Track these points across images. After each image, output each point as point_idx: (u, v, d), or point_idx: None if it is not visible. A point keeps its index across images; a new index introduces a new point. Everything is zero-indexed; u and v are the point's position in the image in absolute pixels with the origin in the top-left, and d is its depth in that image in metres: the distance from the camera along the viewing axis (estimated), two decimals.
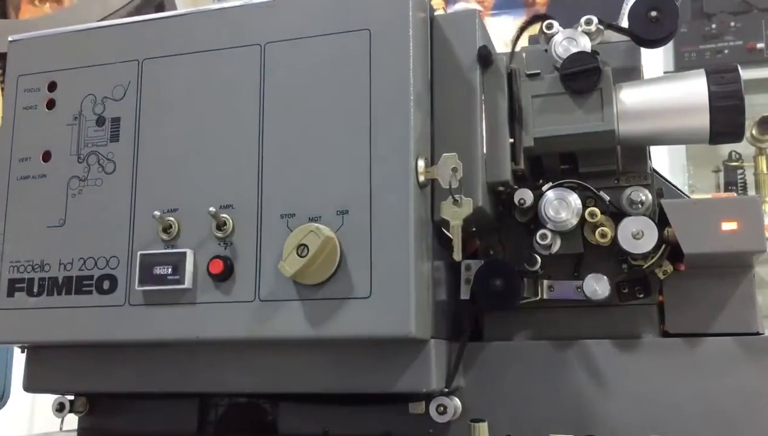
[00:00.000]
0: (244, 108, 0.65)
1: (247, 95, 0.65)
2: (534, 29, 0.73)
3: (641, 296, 0.69)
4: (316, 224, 0.59)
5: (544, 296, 0.70)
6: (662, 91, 0.68)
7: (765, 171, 1.84)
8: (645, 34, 0.69)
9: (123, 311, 0.65)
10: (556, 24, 0.71)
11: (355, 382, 0.62)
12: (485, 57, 0.67)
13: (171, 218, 0.64)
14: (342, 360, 0.62)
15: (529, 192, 0.68)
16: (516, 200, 0.68)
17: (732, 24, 2.04)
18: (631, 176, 0.72)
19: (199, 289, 0.63)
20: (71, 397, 0.76)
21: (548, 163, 0.72)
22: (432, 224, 0.64)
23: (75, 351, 0.70)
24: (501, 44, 0.75)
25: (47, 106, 0.71)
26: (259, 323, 0.61)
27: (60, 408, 0.75)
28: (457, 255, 0.60)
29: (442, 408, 0.64)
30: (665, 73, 1.94)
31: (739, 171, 1.99)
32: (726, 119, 0.66)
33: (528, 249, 0.68)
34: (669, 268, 0.68)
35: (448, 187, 0.60)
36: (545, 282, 0.70)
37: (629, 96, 0.68)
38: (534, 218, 0.69)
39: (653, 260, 0.67)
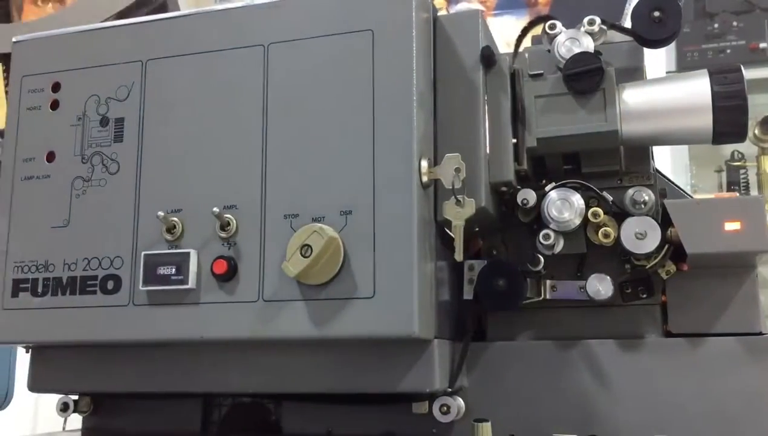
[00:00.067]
0: (247, 108, 0.65)
1: (251, 96, 0.65)
2: (537, 30, 0.74)
3: (644, 296, 0.69)
4: (320, 225, 0.59)
5: (547, 296, 0.70)
6: (665, 91, 0.68)
7: (767, 171, 1.84)
8: (648, 35, 0.69)
9: (127, 311, 0.65)
10: (559, 24, 0.71)
11: (359, 382, 0.62)
12: (488, 57, 0.67)
13: (175, 219, 0.65)
14: (345, 360, 0.63)
15: (532, 192, 0.68)
16: (519, 200, 0.69)
17: (734, 24, 2.03)
18: (634, 176, 0.72)
19: (202, 289, 0.63)
20: (75, 397, 0.76)
21: (551, 164, 0.72)
22: (435, 225, 0.64)
23: (79, 351, 0.70)
24: (503, 44, 0.75)
25: (51, 106, 0.71)
26: (263, 323, 0.61)
27: (64, 408, 0.75)
28: (459, 256, 0.60)
29: (445, 408, 0.64)
30: (668, 73, 1.93)
31: (742, 171, 1.99)
32: (729, 119, 0.66)
33: (531, 249, 0.68)
34: (672, 268, 0.68)
35: (451, 187, 0.60)
36: (548, 282, 0.70)
37: (632, 96, 0.68)
38: (537, 218, 0.69)
39: (656, 260, 0.67)
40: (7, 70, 0.94)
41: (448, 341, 0.65)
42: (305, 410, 0.72)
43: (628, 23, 0.71)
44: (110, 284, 0.66)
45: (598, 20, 0.70)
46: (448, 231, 0.63)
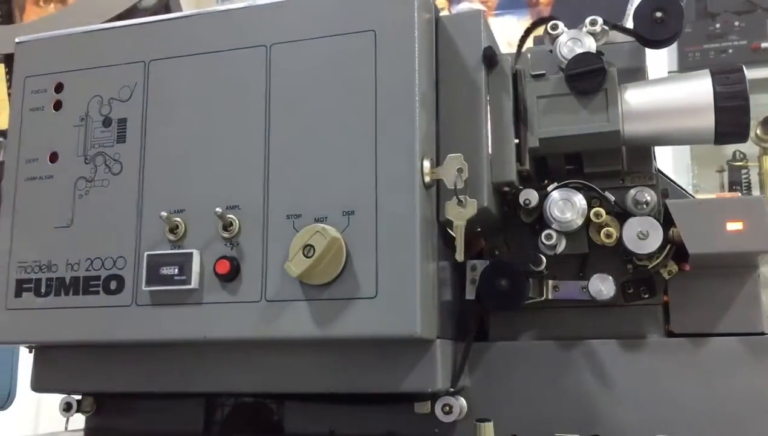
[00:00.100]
0: (250, 109, 0.65)
1: (253, 96, 0.65)
2: (539, 30, 0.74)
3: (646, 296, 0.69)
4: (322, 225, 0.60)
5: (550, 296, 0.70)
6: (667, 91, 0.68)
7: None
8: (650, 35, 0.69)
9: (130, 311, 0.65)
10: (561, 25, 0.71)
11: (361, 382, 0.63)
12: (490, 58, 0.67)
13: (178, 219, 0.65)
14: (348, 360, 0.63)
15: (535, 192, 0.69)
16: (521, 201, 0.69)
17: (736, 23, 2.03)
18: (636, 177, 0.72)
19: (205, 289, 0.63)
20: (78, 397, 0.76)
21: (553, 164, 0.72)
22: (437, 225, 0.64)
23: (82, 351, 0.70)
24: (504, 44, 0.75)
25: (54, 107, 0.71)
26: (266, 323, 0.61)
27: (67, 408, 0.76)
28: (459, 256, 0.60)
29: (447, 408, 0.64)
30: (669, 72, 1.93)
31: (744, 171, 1.99)
32: (731, 120, 0.66)
33: (533, 249, 0.68)
34: (674, 268, 0.68)
35: (453, 187, 0.60)
36: (550, 282, 0.70)
37: (634, 96, 0.68)
38: (539, 219, 0.69)
39: (658, 260, 0.67)
40: (9, 71, 0.95)
41: (450, 341, 0.66)
42: (308, 410, 0.72)
43: (630, 24, 0.71)
44: (113, 284, 0.66)
45: (600, 20, 0.70)
46: (450, 231, 0.63)
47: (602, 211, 0.68)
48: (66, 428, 0.83)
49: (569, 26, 0.71)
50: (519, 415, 0.68)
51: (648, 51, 0.74)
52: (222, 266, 0.62)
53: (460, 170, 0.60)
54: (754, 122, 1.75)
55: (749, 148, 1.90)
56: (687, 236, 0.64)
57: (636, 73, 0.74)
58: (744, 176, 1.99)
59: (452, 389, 0.65)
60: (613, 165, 0.71)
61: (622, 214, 0.68)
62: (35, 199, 0.70)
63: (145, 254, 0.65)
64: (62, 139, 0.70)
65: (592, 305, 0.69)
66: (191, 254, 0.63)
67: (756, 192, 1.92)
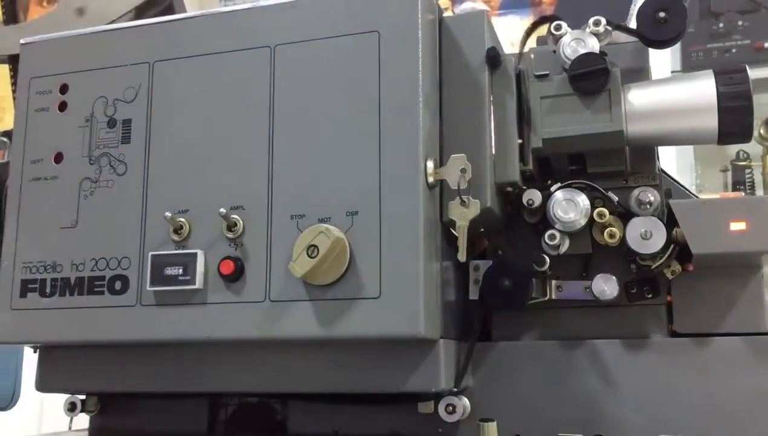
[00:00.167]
0: (254, 110, 0.65)
1: (257, 97, 0.65)
2: (542, 30, 0.74)
3: (650, 296, 0.69)
4: (326, 225, 0.60)
5: (553, 296, 0.70)
6: (670, 91, 0.68)
7: None
8: (653, 35, 0.69)
9: (134, 312, 0.65)
10: (564, 25, 0.71)
11: (365, 382, 0.63)
12: (494, 58, 0.67)
13: (182, 219, 0.65)
14: (352, 360, 0.63)
15: (538, 193, 0.69)
16: (524, 201, 0.69)
17: (739, 23, 2.03)
18: (640, 177, 0.72)
19: (209, 289, 0.64)
20: (83, 396, 0.76)
21: (557, 164, 0.72)
22: (441, 225, 0.64)
23: (87, 351, 0.70)
24: (507, 44, 0.75)
25: (59, 108, 0.72)
26: (270, 323, 0.62)
27: (71, 408, 0.76)
28: (462, 256, 0.61)
29: (451, 408, 0.64)
30: (673, 72, 1.93)
31: (747, 171, 1.99)
32: (734, 120, 0.66)
33: (536, 249, 0.68)
34: (677, 268, 0.68)
35: (456, 188, 0.61)
36: (554, 282, 0.70)
37: (637, 97, 0.68)
38: (542, 219, 0.69)
39: (662, 260, 0.67)
40: (14, 72, 0.95)
41: (453, 341, 0.66)
42: (311, 410, 0.72)
43: (633, 24, 0.71)
44: (118, 285, 0.66)
45: (603, 21, 0.70)
46: (453, 231, 0.64)
47: (605, 211, 0.68)
48: (70, 428, 0.83)
49: (572, 26, 0.71)
50: (522, 415, 0.68)
51: (651, 51, 0.74)
52: (226, 266, 0.63)
53: (463, 171, 0.60)
54: (758, 122, 1.74)
55: (753, 147, 1.90)
56: (690, 236, 0.64)
57: (639, 73, 0.74)
58: (748, 176, 1.99)
59: (455, 389, 0.65)
60: (617, 165, 0.71)
61: (625, 215, 0.68)
62: (40, 199, 0.70)
63: (150, 254, 0.65)
64: (67, 140, 0.71)
65: (595, 305, 0.69)
66: (195, 254, 0.64)
67: (760, 192, 1.92)
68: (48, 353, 0.73)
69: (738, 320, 0.67)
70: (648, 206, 0.68)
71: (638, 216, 0.67)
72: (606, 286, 0.68)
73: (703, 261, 0.67)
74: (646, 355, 0.67)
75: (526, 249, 0.70)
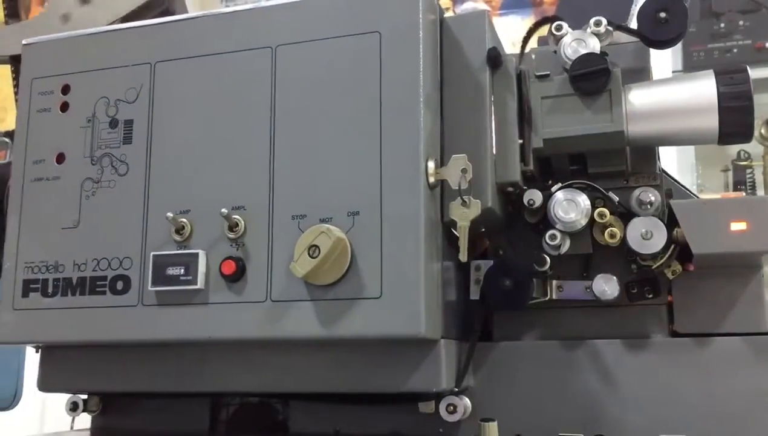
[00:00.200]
0: (255, 110, 0.65)
1: (259, 97, 0.66)
2: (543, 30, 0.74)
3: (650, 296, 0.69)
4: (327, 225, 0.60)
5: (554, 296, 0.70)
6: (671, 92, 0.69)
7: None
8: (654, 35, 0.69)
9: (136, 312, 0.66)
10: (565, 25, 0.71)
11: (366, 381, 0.63)
12: (495, 58, 0.68)
13: (184, 219, 0.65)
14: (353, 360, 0.63)
15: (539, 193, 0.69)
16: (525, 201, 0.69)
17: (741, 23, 2.03)
18: (640, 177, 0.72)
19: (211, 289, 0.64)
20: (84, 396, 0.76)
21: (557, 164, 0.72)
22: (442, 225, 0.64)
23: (89, 351, 0.70)
24: (508, 44, 0.76)
25: (61, 108, 0.72)
26: (271, 323, 0.62)
27: (73, 407, 0.76)
28: (463, 256, 0.61)
29: (452, 408, 0.64)
30: (674, 72, 1.93)
31: (748, 170, 1.99)
32: (735, 120, 0.66)
33: (537, 249, 0.69)
34: (678, 268, 0.68)
35: (457, 188, 0.61)
36: (554, 282, 0.70)
37: (638, 97, 0.68)
38: (543, 219, 0.70)
39: (662, 260, 0.67)
40: (15, 73, 0.95)
41: (454, 341, 0.66)
42: (312, 410, 0.72)
43: (634, 24, 0.71)
44: (119, 285, 0.66)
45: (604, 21, 0.70)
46: (454, 231, 0.64)
47: (606, 211, 0.68)
48: (72, 428, 0.83)
49: (573, 27, 0.71)
50: (523, 415, 0.68)
51: (652, 51, 0.74)
52: (228, 266, 0.63)
53: (464, 171, 0.61)
54: (759, 122, 1.74)
55: (754, 147, 1.90)
56: (691, 236, 0.65)
57: (640, 74, 0.74)
58: (749, 176, 1.99)
59: (456, 389, 0.65)
60: (617, 165, 0.71)
61: (626, 215, 0.68)
62: (42, 200, 0.70)
63: (152, 254, 0.65)
64: (69, 141, 0.71)
65: (596, 305, 0.69)
66: (197, 254, 0.64)
67: (761, 192, 1.92)
68: (50, 352, 0.73)
69: (738, 320, 0.67)
70: (649, 206, 0.68)
71: (639, 216, 0.67)
72: (607, 286, 0.68)
73: (703, 261, 0.67)
74: (646, 355, 0.67)
75: (527, 249, 0.70)
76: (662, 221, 0.67)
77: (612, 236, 0.68)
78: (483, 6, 0.72)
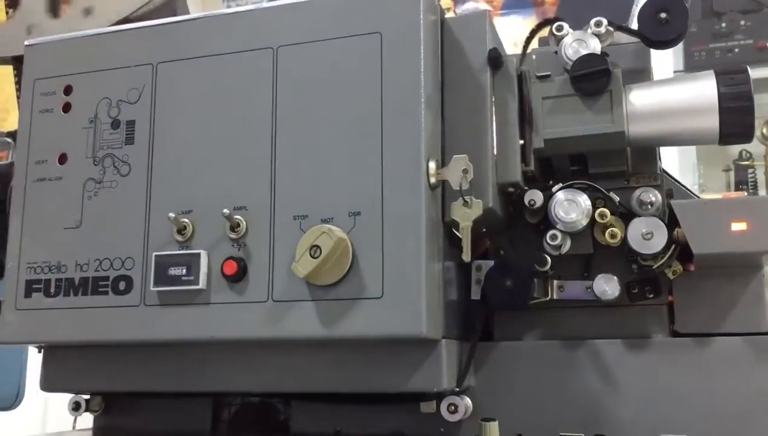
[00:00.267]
0: (257, 110, 0.66)
1: (260, 98, 0.66)
2: (544, 31, 0.74)
3: (651, 296, 0.69)
4: (329, 226, 0.60)
5: (554, 296, 0.70)
6: (672, 92, 0.69)
7: None
8: (654, 36, 0.70)
9: (138, 312, 0.66)
10: (566, 26, 0.71)
11: (367, 381, 0.63)
12: (495, 59, 0.68)
13: (185, 220, 0.65)
14: (354, 360, 0.63)
15: (540, 193, 0.69)
16: (526, 201, 0.69)
17: (742, 23, 2.03)
18: (641, 177, 0.72)
19: (213, 289, 0.64)
20: (87, 396, 0.77)
21: (558, 165, 0.72)
22: (443, 225, 0.64)
23: (91, 351, 0.71)
24: (510, 44, 0.76)
25: (63, 109, 0.72)
26: (272, 323, 0.62)
27: (76, 407, 0.76)
28: (466, 256, 0.61)
29: (453, 407, 0.64)
30: (675, 72, 1.93)
31: (750, 170, 1.99)
32: (735, 120, 0.66)
33: (538, 249, 0.69)
34: (679, 268, 0.68)
35: (458, 188, 0.61)
36: (555, 282, 0.70)
37: (639, 97, 0.69)
38: (544, 219, 0.70)
39: (663, 260, 0.67)
40: (18, 73, 0.95)
41: (455, 341, 0.66)
42: (314, 410, 0.72)
43: (634, 24, 0.71)
44: (122, 285, 0.67)
45: (604, 22, 0.70)
46: (455, 232, 0.64)
47: (607, 211, 0.68)
48: (74, 428, 0.83)
49: (574, 27, 0.71)
50: (524, 414, 0.68)
51: (653, 51, 0.74)
52: (229, 266, 0.63)
53: (465, 171, 0.61)
54: (760, 122, 1.75)
55: (755, 147, 1.90)
56: (691, 236, 0.65)
57: (641, 74, 0.74)
58: (750, 176, 1.99)
59: (457, 389, 0.65)
60: (618, 166, 0.71)
61: (626, 215, 0.68)
62: (44, 200, 0.71)
63: (154, 254, 0.65)
64: (71, 141, 0.71)
65: (596, 305, 0.69)
66: (199, 254, 0.64)
67: (762, 191, 1.92)
68: (52, 352, 0.73)
69: (739, 320, 0.68)
70: (649, 206, 0.68)
71: (639, 216, 0.67)
72: (607, 286, 0.68)
73: (704, 261, 0.67)
74: (647, 355, 0.67)
75: (528, 249, 0.71)
76: (663, 221, 0.67)
77: (613, 236, 0.68)
78: (484, 6, 0.72)
